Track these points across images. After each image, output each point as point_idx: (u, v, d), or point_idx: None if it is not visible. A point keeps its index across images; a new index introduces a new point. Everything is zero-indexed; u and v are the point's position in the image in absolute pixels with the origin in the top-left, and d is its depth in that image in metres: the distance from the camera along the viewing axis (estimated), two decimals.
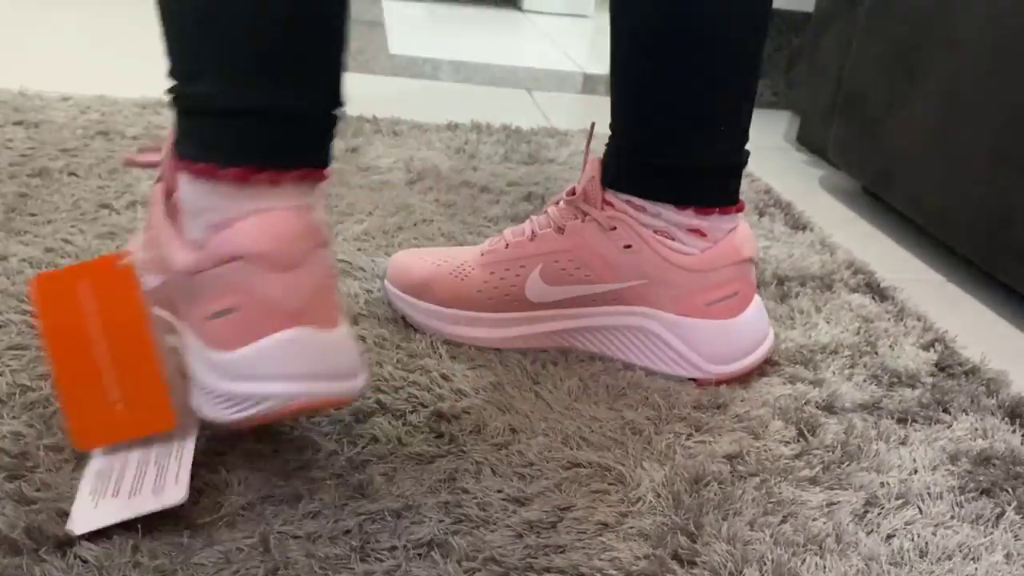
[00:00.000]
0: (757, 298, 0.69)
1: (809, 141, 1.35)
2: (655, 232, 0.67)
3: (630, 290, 0.68)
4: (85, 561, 0.45)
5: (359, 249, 0.83)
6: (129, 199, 0.86)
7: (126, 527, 0.47)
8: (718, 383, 0.67)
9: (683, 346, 0.67)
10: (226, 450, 0.54)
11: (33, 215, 0.81)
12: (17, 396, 0.56)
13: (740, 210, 0.69)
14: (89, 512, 0.47)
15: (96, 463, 0.51)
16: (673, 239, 0.67)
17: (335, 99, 0.52)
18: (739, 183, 0.70)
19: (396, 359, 0.66)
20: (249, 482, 0.52)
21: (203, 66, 0.49)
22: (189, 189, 0.49)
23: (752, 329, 0.68)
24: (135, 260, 0.51)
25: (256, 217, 0.48)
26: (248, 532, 0.48)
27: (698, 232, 0.67)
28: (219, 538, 0.48)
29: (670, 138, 0.66)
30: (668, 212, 0.67)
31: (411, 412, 0.61)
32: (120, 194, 0.88)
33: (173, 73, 0.50)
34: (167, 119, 1.12)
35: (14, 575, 0.43)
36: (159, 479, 0.49)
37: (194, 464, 0.51)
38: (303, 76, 0.50)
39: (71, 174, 0.91)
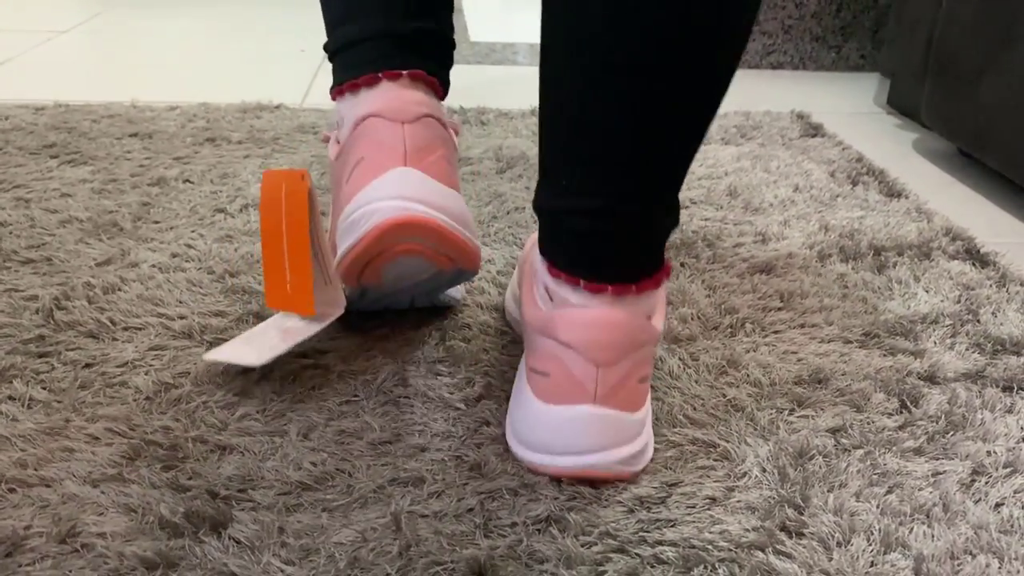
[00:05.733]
0: (587, 410, 0.54)
1: (900, 104, 1.32)
2: (535, 271, 0.59)
3: None
4: (239, 542, 0.49)
5: None
6: (241, 203, 0.92)
7: (269, 508, 0.52)
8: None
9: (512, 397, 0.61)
10: (352, 440, 0.58)
11: (157, 222, 0.88)
12: (162, 393, 0.62)
13: (598, 291, 0.53)
14: (223, 350, 0.64)
15: (274, 319, 0.67)
16: (535, 284, 0.58)
17: (439, 23, 0.67)
18: (621, 260, 0.54)
19: (501, 345, 0.70)
20: (376, 467, 0.56)
21: (333, 17, 0.67)
22: (340, 105, 0.66)
23: (557, 429, 0.54)
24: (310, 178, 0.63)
25: (384, 90, 0.63)
26: (380, 512, 0.52)
27: (547, 290, 0.57)
28: (354, 519, 0.52)
29: (551, 165, 0.55)
30: (536, 253, 0.59)
31: None
32: (232, 198, 0.93)
33: (327, 29, 0.67)
34: (267, 123, 1.17)
35: (179, 555, 0.48)
36: (271, 346, 0.63)
37: (324, 441, 0.56)
38: (404, 10, 0.64)
39: (186, 181, 0.97)
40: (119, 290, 0.74)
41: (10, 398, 0.61)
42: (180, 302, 0.73)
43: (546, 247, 0.56)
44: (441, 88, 0.67)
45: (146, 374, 0.64)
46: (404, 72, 0.64)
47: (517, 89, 1.43)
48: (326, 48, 0.68)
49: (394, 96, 0.62)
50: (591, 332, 0.53)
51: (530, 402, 0.56)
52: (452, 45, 0.69)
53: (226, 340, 0.68)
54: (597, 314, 0.53)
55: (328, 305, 0.65)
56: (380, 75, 0.63)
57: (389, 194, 0.60)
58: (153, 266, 0.79)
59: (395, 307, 0.72)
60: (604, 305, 0.54)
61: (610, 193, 0.52)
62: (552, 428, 0.55)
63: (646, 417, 0.57)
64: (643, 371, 0.56)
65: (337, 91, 0.66)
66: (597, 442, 0.54)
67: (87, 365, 0.65)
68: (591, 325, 0.53)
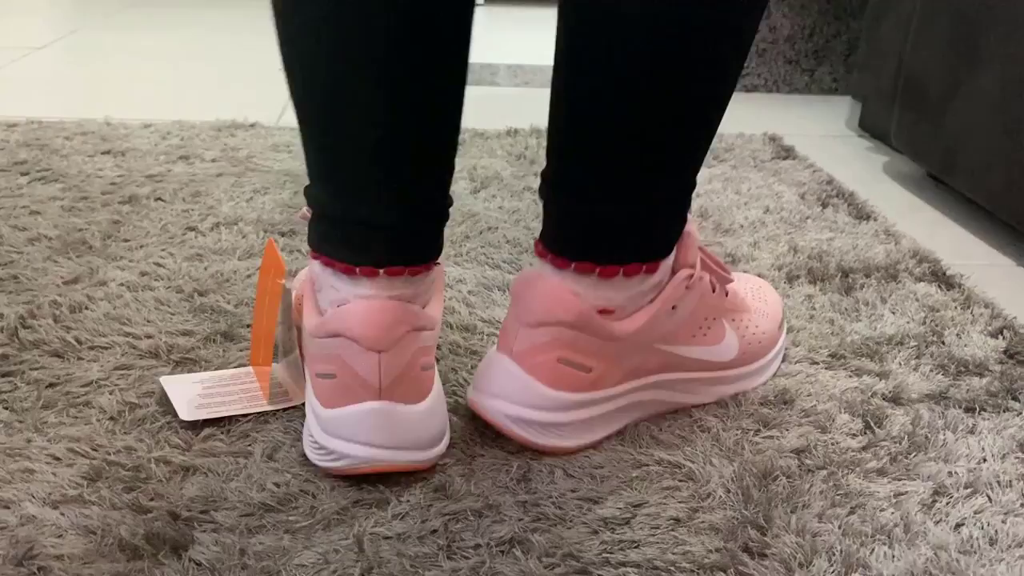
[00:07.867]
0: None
1: (871, 127, 1.34)
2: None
3: None
4: (199, 564, 0.49)
5: None
6: (213, 221, 0.92)
7: (231, 530, 0.51)
8: None
9: None
10: None
11: (127, 240, 0.87)
12: (127, 413, 0.61)
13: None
14: (175, 383, 0.64)
15: (245, 375, 0.66)
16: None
17: (432, 211, 0.57)
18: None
19: (470, 365, 0.70)
20: (340, 488, 0.56)
21: (315, 176, 0.57)
22: (316, 267, 0.57)
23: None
24: (292, 277, 0.62)
25: (360, 303, 0.54)
26: (343, 534, 0.52)
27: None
28: (316, 540, 0.51)
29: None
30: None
31: None
32: (204, 217, 0.93)
33: (308, 172, 0.57)
34: (241, 141, 1.17)
35: None
36: (209, 405, 0.62)
37: (289, 462, 0.56)
38: (394, 196, 0.55)
39: (158, 199, 0.97)
40: (86, 309, 0.74)
41: None
42: (148, 321, 0.73)
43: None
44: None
45: (111, 394, 0.63)
46: (388, 269, 0.55)
47: (495, 110, 1.43)
48: (306, 189, 0.58)
49: (373, 318, 0.54)
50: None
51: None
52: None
53: (192, 360, 0.68)
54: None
55: (293, 382, 0.64)
56: (361, 268, 0.55)
57: (361, 438, 0.55)
58: (121, 284, 0.78)
59: None
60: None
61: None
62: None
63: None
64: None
65: (310, 250, 0.59)
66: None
67: (51, 384, 0.64)
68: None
